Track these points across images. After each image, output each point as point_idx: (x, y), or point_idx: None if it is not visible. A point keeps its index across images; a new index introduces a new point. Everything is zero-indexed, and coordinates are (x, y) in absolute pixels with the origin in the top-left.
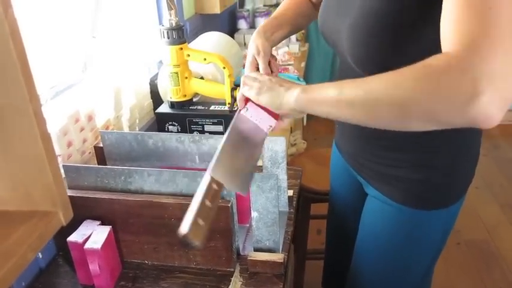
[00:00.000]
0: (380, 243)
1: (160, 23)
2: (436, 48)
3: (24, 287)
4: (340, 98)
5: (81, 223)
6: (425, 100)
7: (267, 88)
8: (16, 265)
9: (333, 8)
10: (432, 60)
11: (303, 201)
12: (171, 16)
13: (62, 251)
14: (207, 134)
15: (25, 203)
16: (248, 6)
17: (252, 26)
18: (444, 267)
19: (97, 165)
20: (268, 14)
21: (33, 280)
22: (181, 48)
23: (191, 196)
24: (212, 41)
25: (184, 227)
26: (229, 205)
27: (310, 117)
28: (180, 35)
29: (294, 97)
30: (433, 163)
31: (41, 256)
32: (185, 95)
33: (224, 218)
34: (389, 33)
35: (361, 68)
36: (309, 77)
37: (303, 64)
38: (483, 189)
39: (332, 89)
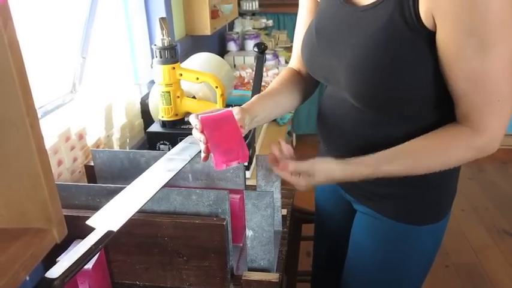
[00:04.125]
0: (372, 259)
1: (152, 43)
2: (426, 81)
3: None
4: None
5: (71, 243)
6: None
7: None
8: (7, 285)
9: (318, 47)
10: (462, 148)
11: (294, 221)
12: (163, 36)
13: None
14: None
15: (18, 220)
16: (237, 28)
17: (242, 48)
18: None
19: (88, 184)
20: (257, 36)
21: None
22: (174, 68)
23: (185, 214)
24: (203, 61)
25: (54, 272)
26: (224, 223)
27: (299, 139)
28: (172, 55)
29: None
30: (424, 181)
31: (28, 278)
32: (177, 114)
33: (219, 236)
34: (388, 71)
35: (361, 103)
36: None
37: None
38: (469, 212)
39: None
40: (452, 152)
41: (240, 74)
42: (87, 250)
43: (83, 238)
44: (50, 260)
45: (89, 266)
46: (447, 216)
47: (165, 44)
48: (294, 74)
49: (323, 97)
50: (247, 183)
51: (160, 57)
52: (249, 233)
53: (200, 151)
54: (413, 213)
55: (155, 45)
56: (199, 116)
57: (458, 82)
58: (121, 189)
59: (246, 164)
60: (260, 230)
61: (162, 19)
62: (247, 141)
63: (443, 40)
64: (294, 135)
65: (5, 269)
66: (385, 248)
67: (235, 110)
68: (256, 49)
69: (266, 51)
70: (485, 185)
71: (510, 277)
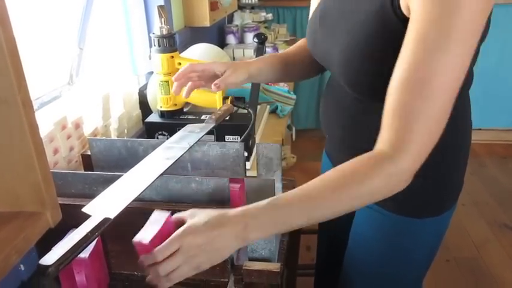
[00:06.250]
0: (371, 252)
1: (150, 32)
2: None
3: None
4: (293, 226)
5: (67, 233)
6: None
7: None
8: None
9: (319, 31)
10: (373, 178)
11: None
12: (162, 24)
13: None
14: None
15: (10, 203)
16: (237, 21)
17: (241, 41)
18: (434, 285)
19: (85, 172)
20: (257, 29)
21: None
22: (172, 57)
23: (184, 203)
24: (202, 51)
25: (48, 259)
26: None
27: (298, 134)
28: (171, 43)
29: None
30: (424, 173)
31: (23, 268)
32: (175, 104)
33: None
34: (379, 60)
35: (352, 90)
36: (298, 90)
37: None
38: (470, 206)
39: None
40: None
41: None
42: (83, 237)
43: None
44: (45, 250)
45: (86, 255)
46: (451, 209)
47: (164, 33)
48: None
49: (325, 86)
50: (247, 174)
51: (159, 45)
52: None
53: (199, 139)
54: (414, 205)
55: (153, 33)
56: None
57: (399, 74)
58: (118, 177)
59: (246, 154)
60: None
61: (160, 7)
62: (246, 132)
63: (408, 28)
64: (294, 129)
65: None
66: (385, 241)
67: (229, 70)
68: (256, 39)
69: (266, 43)
70: (486, 180)
71: (511, 270)
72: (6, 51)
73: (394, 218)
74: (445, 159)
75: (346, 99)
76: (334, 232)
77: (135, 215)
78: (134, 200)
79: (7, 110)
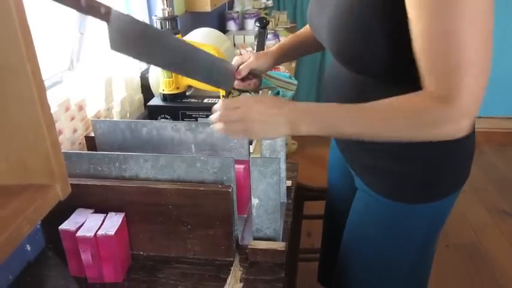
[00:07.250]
0: (366, 235)
1: (151, 16)
2: (401, 44)
3: (12, 280)
4: (341, 132)
5: (73, 212)
6: (414, 137)
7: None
8: (10, 238)
9: (316, 5)
10: (421, 108)
11: (296, 198)
12: (164, 6)
13: (51, 244)
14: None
15: (20, 175)
16: (237, 8)
17: (242, 28)
18: (433, 270)
19: (90, 152)
20: (257, 15)
21: (22, 273)
22: None
23: (189, 182)
24: (204, 36)
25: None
26: (229, 190)
27: None
28: (173, 26)
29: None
30: (413, 157)
31: (29, 248)
32: (178, 88)
33: (224, 204)
34: (362, 31)
35: (341, 62)
36: (298, 78)
37: (293, 64)
38: (469, 193)
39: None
40: (421, 116)
41: (241, 53)
42: None
43: (85, 207)
44: (52, 230)
45: (91, 233)
46: (450, 197)
47: (166, 15)
48: None
49: (326, 67)
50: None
51: (161, 28)
52: (254, 201)
53: None
54: (402, 190)
55: (155, 15)
56: None
57: (421, 43)
58: (124, 156)
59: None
60: (266, 198)
61: None
62: None
63: None
64: None
65: (9, 221)
66: (379, 226)
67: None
68: (258, 23)
69: (267, 28)
70: (485, 167)
71: (510, 256)
72: (17, 20)
73: (382, 201)
74: (437, 146)
75: (345, 80)
76: (339, 219)
77: (139, 194)
78: (138, 179)
79: (17, 79)
